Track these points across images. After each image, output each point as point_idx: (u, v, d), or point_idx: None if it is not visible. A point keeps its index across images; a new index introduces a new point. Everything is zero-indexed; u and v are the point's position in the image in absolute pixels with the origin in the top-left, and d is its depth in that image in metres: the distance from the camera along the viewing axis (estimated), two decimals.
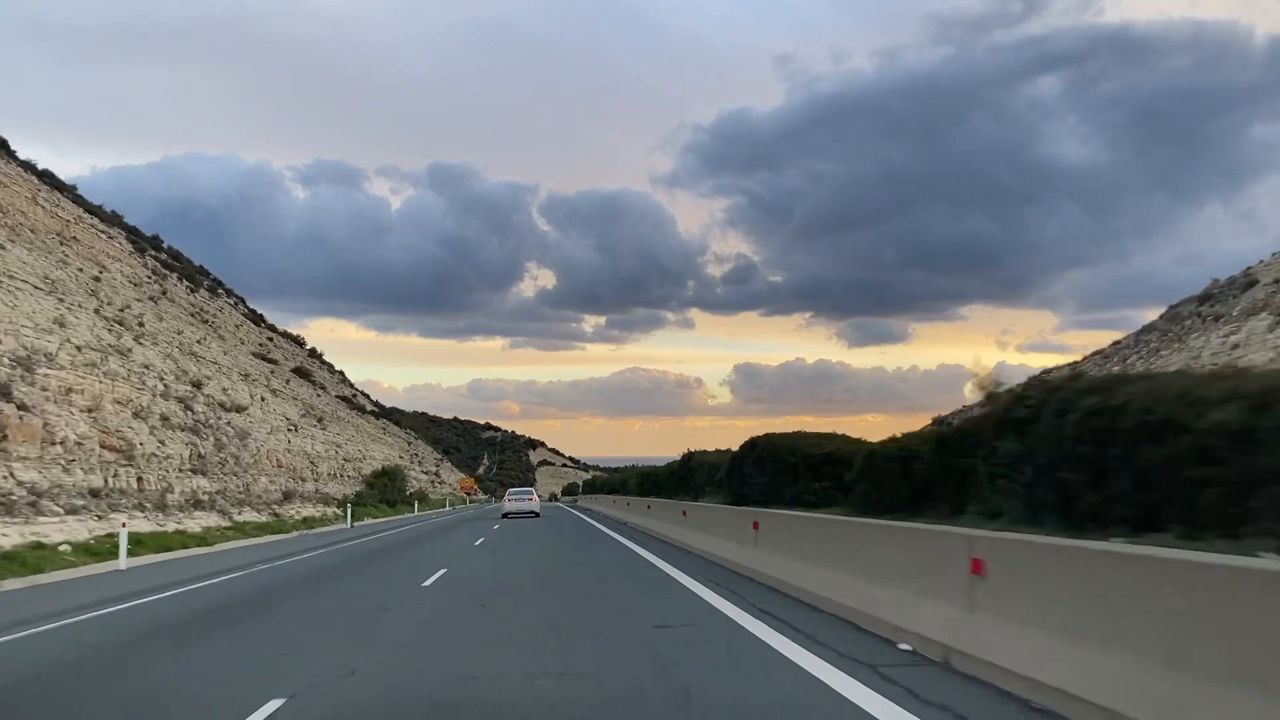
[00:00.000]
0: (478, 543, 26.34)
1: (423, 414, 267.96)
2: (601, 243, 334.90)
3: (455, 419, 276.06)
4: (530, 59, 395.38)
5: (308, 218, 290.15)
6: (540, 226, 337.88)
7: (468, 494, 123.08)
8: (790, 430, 22.63)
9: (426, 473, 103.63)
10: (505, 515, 47.17)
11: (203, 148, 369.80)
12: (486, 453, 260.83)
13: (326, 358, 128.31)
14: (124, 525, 22.60)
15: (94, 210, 66.54)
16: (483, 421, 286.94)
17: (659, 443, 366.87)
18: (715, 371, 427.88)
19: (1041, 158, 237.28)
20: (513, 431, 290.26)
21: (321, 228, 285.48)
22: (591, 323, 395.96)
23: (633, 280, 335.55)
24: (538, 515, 47.76)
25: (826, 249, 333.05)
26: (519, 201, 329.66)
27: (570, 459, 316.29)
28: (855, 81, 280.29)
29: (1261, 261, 44.94)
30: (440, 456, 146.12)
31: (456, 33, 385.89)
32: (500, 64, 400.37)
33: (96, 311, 40.23)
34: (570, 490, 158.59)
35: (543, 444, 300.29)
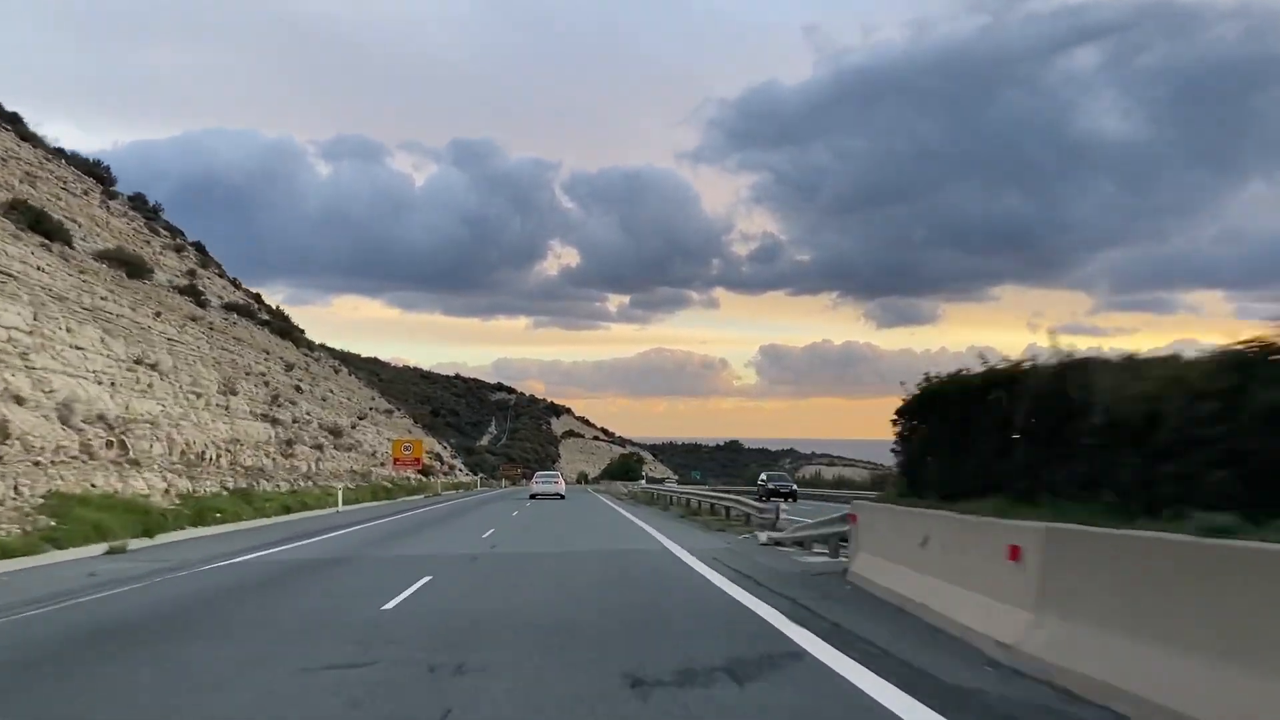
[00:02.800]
0: None
1: (414, 368, 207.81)
2: (625, 221, 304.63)
3: (457, 376, 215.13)
4: (551, 33, 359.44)
5: (330, 194, 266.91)
6: (563, 204, 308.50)
7: (418, 473, 61.44)
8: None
9: (284, 424, 40.93)
10: (533, 496, 50.60)
11: (224, 123, 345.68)
12: (495, 419, 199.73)
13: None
14: None
15: None
16: (493, 381, 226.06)
17: (684, 424, 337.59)
18: (740, 353, 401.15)
19: (1078, 133, 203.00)
20: (531, 395, 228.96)
21: (344, 204, 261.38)
22: (615, 302, 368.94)
23: (656, 259, 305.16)
24: (562, 498, 50.34)
25: (855, 227, 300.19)
26: (541, 179, 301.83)
27: (604, 431, 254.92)
28: (885, 53, 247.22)
29: None
30: (389, 409, 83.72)
31: (477, 7, 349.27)
32: (521, 39, 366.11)
33: None
34: (623, 472, 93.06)
35: (568, 411, 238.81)
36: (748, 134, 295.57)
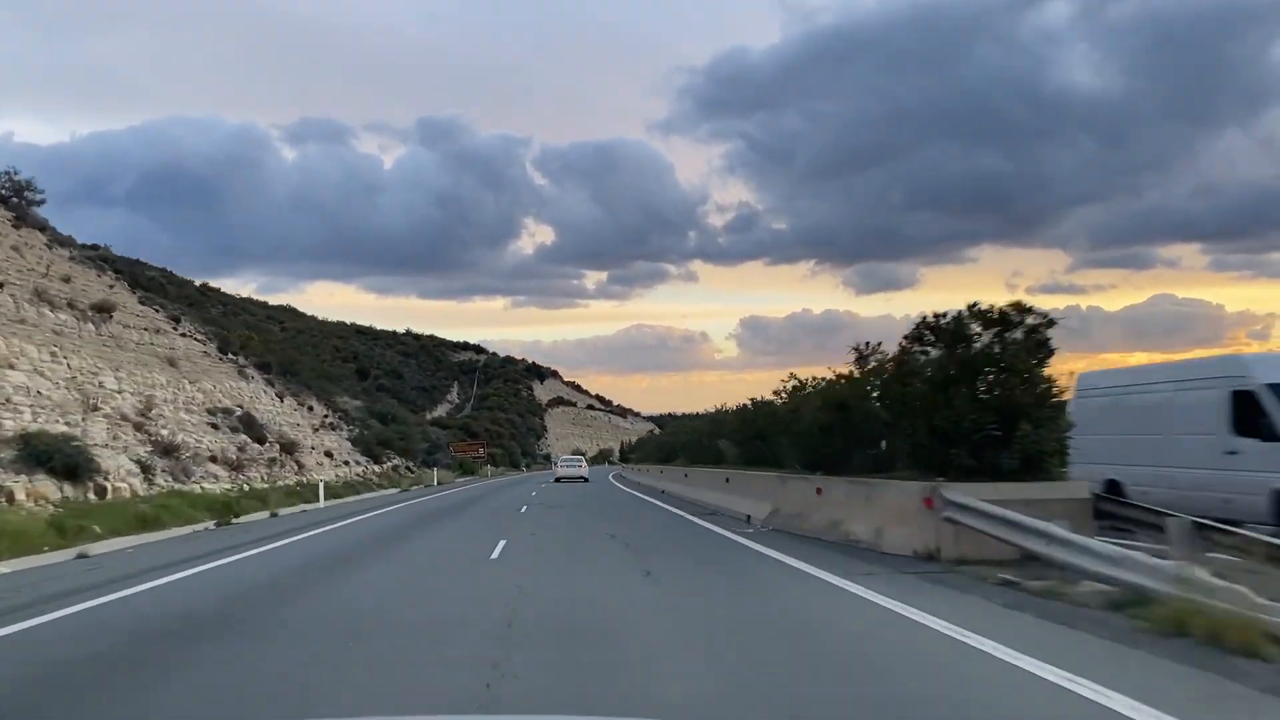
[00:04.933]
0: None
1: (350, 324, 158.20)
2: (598, 195, 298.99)
3: (408, 332, 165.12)
4: (514, 4, 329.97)
5: (298, 179, 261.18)
6: (535, 180, 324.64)
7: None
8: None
9: None
10: (558, 480, 49.11)
11: (185, 110, 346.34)
12: (459, 384, 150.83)
13: None
14: None
15: None
16: (458, 339, 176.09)
17: (667, 400, 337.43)
18: (721, 325, 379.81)
19: (1053, 88, 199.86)
20: (507, 356, 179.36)
21: (313, 189, 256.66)
22: (593, 279, 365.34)
23: (632, 233, 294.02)
24: (586, 480, 48.81)
25: (831, 193, 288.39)
26: (512, 155, 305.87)
27: (599, 399, 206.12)
28: (855, 12, 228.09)
29: None
30: (165, 325, 34.09)
31: None
32: (483, 11, 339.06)
33: None
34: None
35: (555, 374, 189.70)
36: (719, 101, 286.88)
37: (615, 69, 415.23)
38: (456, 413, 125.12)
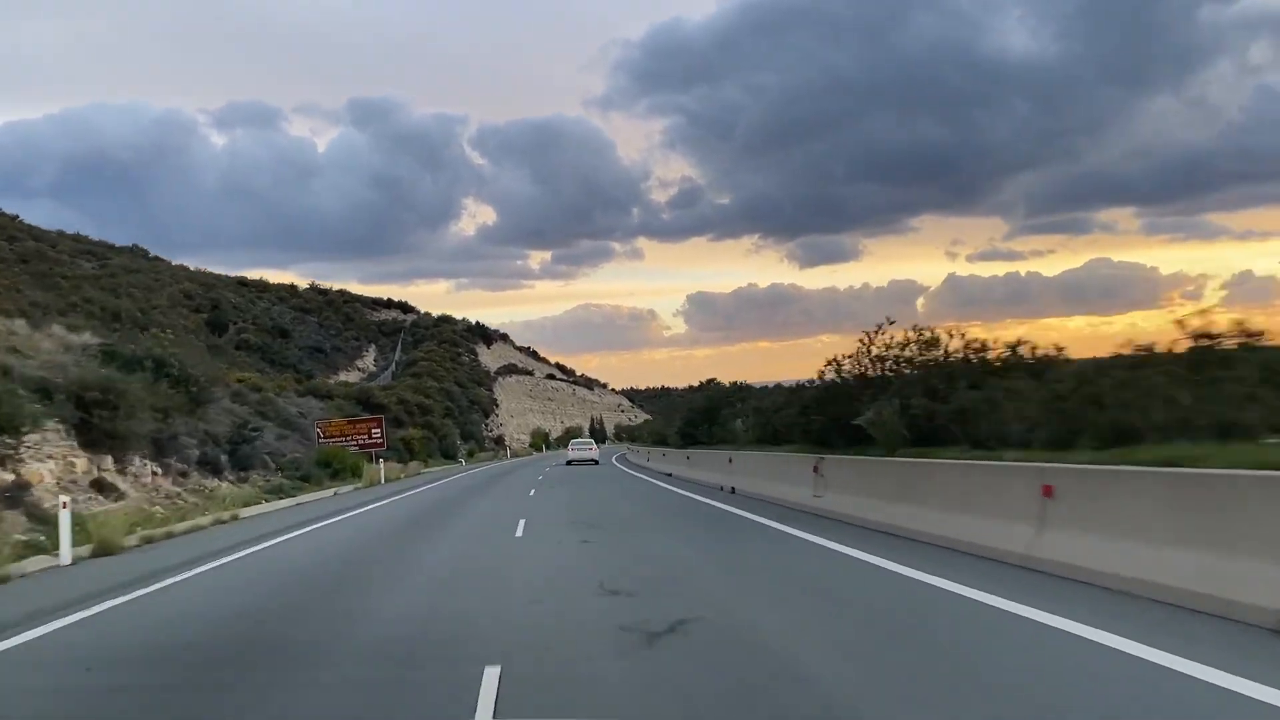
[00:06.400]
0: None
1: (235, 277, 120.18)
2: (539, 173, 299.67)
3: (311, 285, 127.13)
4: None
5: (228, 165, 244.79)
6: (474, 160, 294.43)
7: None
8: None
9: None
10: (569, 463, 48.63)
11: (106, 97, 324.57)
12: (375, 346, 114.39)
13: None
14: None
15: None
16: (380, 295, 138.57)
17: (617, 378, 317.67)
18: (668, 303, 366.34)
19: (989, 55, 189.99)
20: (442, 315, 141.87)
21: (244, 175, 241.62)
22: (538, 259, 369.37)
23: (576, 211, 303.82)
24: (597, 463, 48.31)
25: (772, 166, 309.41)
26: (449, 134, 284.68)
27: (560, 368, 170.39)
28: None
29: None
30: None
31: None
32: None
33: None
34: None
35: (505, 339, 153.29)
36: (656, 75, 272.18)
37: (549, 43, 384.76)
38: (371, 380, 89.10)
